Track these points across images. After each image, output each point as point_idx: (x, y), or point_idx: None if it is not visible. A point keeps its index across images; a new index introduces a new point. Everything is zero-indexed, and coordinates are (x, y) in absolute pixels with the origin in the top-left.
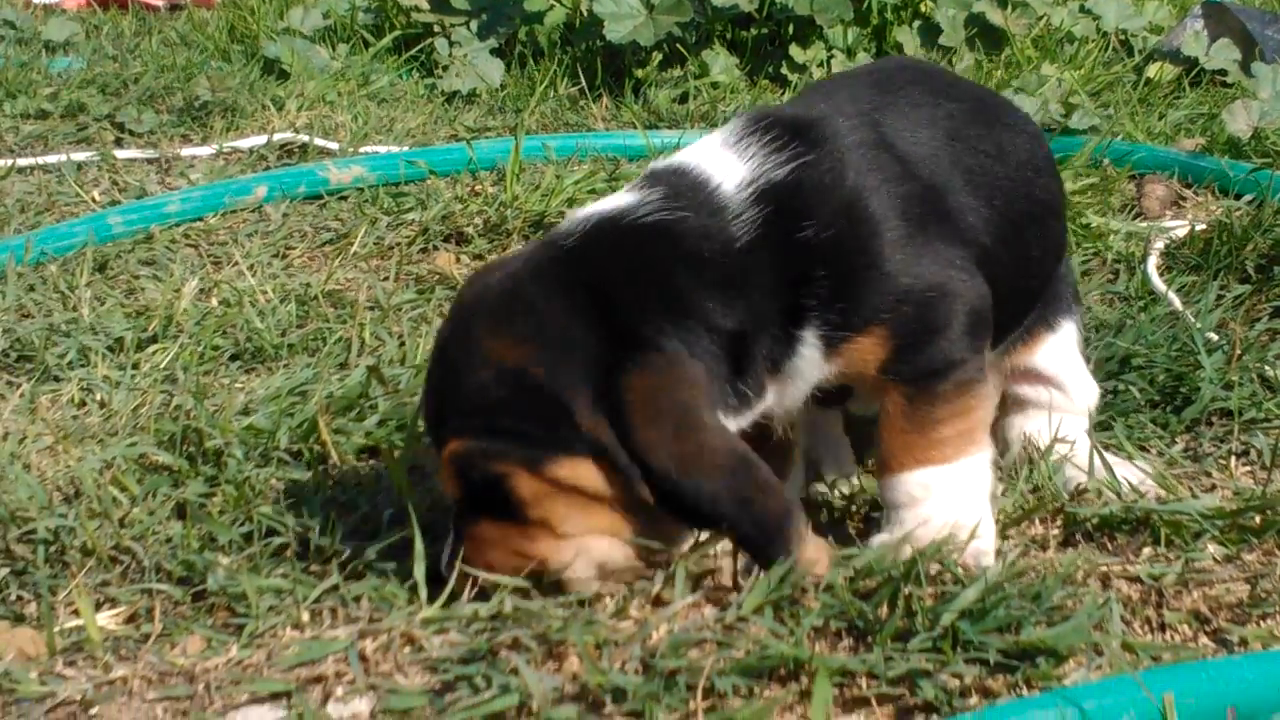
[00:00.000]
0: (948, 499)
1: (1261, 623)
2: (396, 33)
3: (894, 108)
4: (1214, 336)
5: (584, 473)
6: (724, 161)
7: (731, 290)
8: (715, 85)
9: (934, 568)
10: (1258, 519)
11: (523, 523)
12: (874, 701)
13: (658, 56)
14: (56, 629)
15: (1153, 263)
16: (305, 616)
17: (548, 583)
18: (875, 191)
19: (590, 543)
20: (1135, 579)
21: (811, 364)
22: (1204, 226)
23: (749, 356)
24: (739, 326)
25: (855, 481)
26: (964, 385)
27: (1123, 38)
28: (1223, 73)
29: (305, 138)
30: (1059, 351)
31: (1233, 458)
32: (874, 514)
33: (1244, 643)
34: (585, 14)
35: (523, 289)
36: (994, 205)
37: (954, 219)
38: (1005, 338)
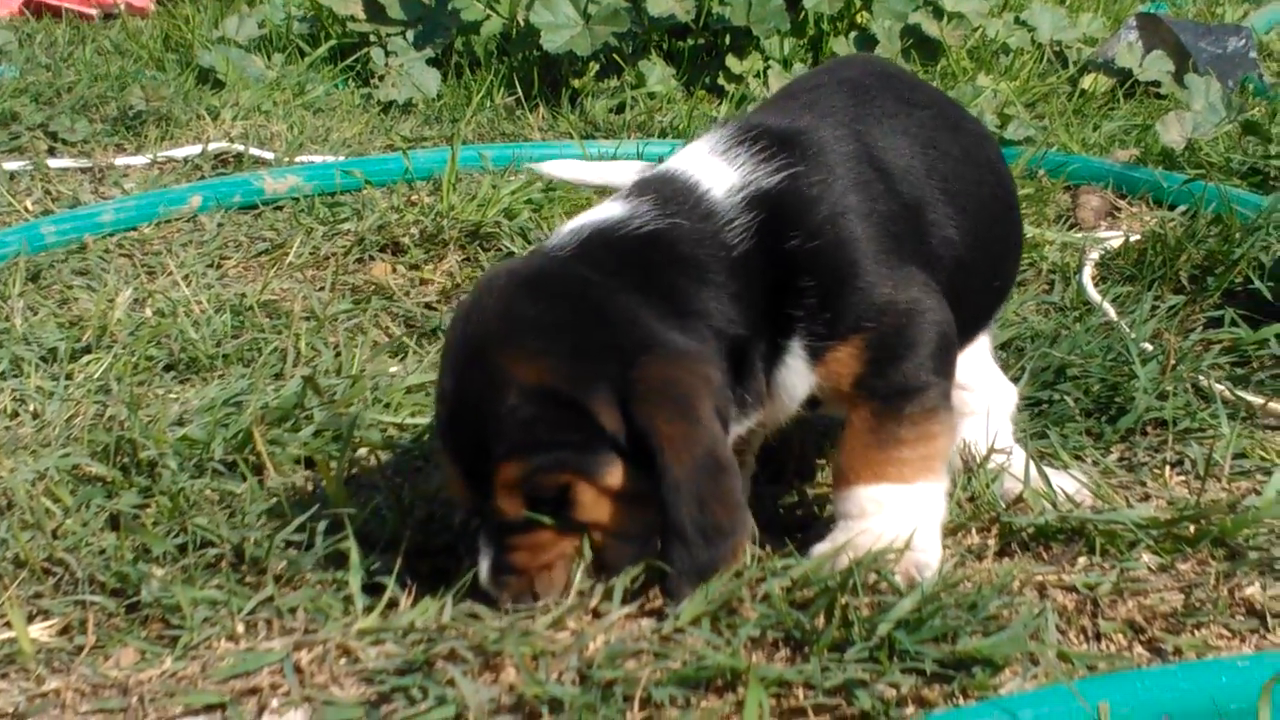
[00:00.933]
0: (899, 517)
1: (1195, 632)
2: (332, 42)
3: (872, 117)
4: (1148, 347)
5: (619, 472)
6: (713, 169)
7: (730, 296)
8: (652, 95)
9: (872, 578)
10: (1192, 529)
11: (578, 526)
12: (810, 712)
13: (594, 66)
14: None
15: (1088, 273)
16: (240, 628)
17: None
18: (860, 207)
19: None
20: (1071, 588)
21: (798, 375)
22: (1138, 237)
23: (749, 363)
24: (740, 332)
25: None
26: (930, 410)
27: (1057, 49)
28: (1156, 84)
29: (240, 147)
30: (979, 357)
31: (1167, 467)
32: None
33: (1178, 652)
34: (522, 24)
35: (524, 306)
36: (966, 211)
37: (929, 238)
38: (967, 344)
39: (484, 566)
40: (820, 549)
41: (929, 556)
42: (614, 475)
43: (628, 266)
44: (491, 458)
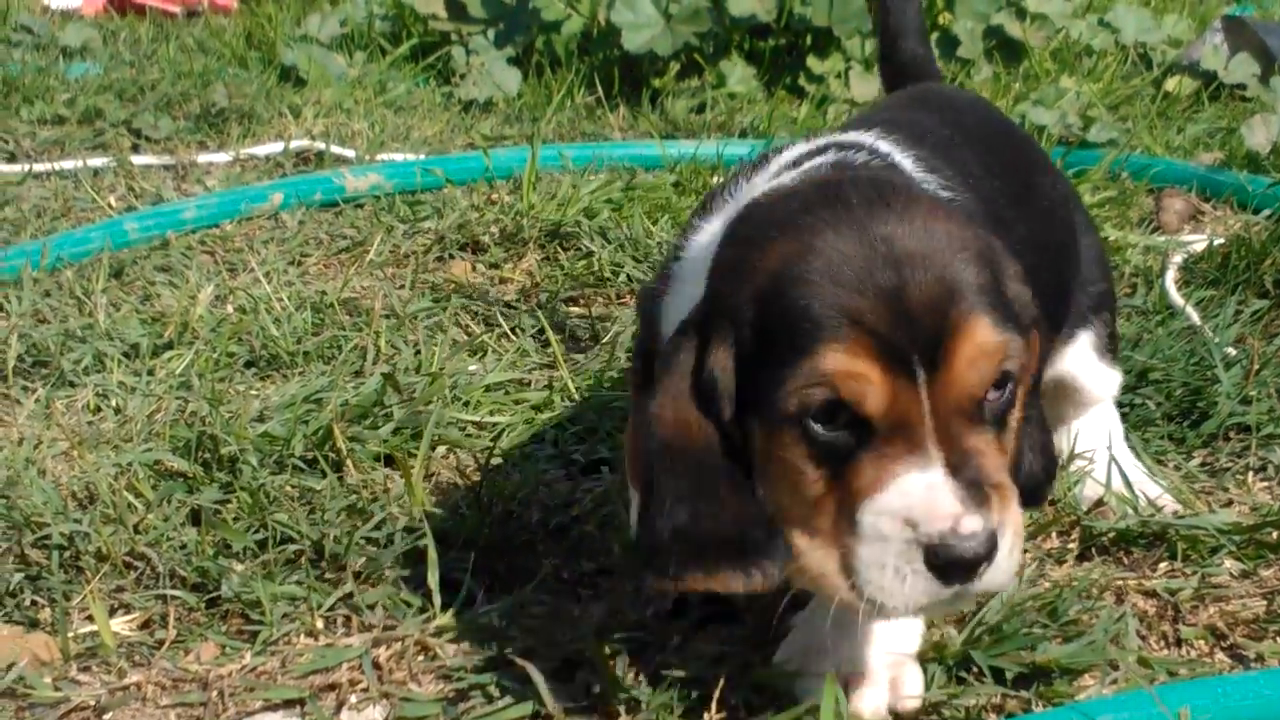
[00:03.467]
0: None
1: (1278, 638)
2: (413, 40)
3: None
4: (1232, 351)
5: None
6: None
7: None
8: (732, 96)
9: None
10: (1275, 535)
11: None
12: None
13: (675, 66)
14: (70, 634)
15: (1170, 277)
16: (319, 624)
17: None
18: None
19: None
20: (1151, 594)
21: None
22: (1222, 241)
23: None
24: None
25: None
26: None
27: (1141, 51)
28: (1242, 87)
29: (322, 145)
30: (1076, 357)
31: (1250, 473)
32: None
33: (1260, 658)
34: (603, 23)
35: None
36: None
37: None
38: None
39: (938, 475)
40: None
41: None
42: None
43: None
44: (964, 314)
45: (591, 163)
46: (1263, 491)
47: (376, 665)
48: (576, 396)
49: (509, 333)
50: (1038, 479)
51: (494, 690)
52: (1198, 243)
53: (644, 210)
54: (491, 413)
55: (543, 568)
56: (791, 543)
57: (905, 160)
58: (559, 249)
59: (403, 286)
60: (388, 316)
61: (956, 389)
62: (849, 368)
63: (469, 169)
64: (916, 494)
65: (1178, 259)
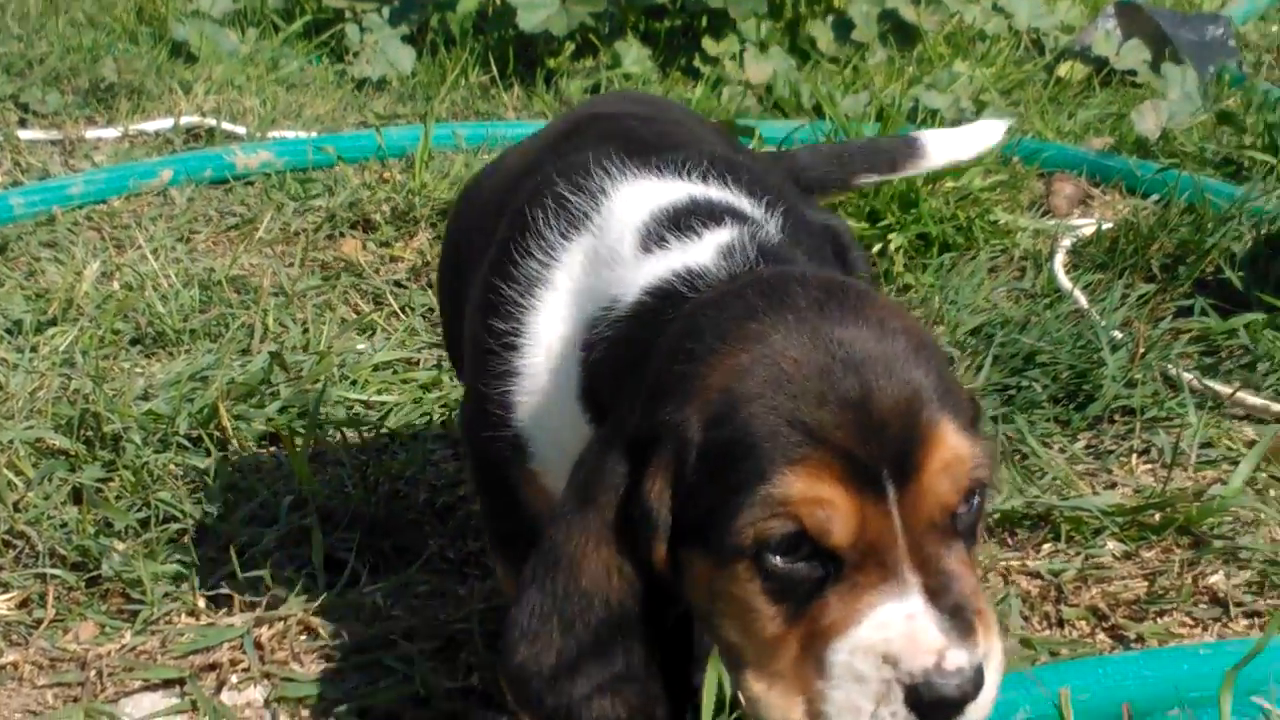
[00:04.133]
0: None
1: (1159, 619)
2: (307, 18)
3: None
4: (1118, 335)
5: None
6: None
7: None
8: (627, 76)
9: None
10: (1157, 516)
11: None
12: None
13: (570, 46)
14: None
15: (1059, 260)
16: (201, 603)
17: None
18: None
19: None
20: (1035, 574)
21: None
22: (1111, 225)
23: None
24: None
25: None
26: None
27: (1034, 36)
28: (1132, 73)
29: (212, 122)
30: None
31: (1134, 455)
32: None
33: (1141, 639)
34: (498, 2)
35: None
36: None
37: None
38: None
39: (917, 604)
40: None
41: None
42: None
43: None
44: (933, 420)
45: (485, 142)
46: (1146, 474)
47: (258, 645)
48: None
49: (398, 311)
50: None
51: (376, 670)
52: (1086, 227)
53: None
54: (379, 392)
55: (428, 547)
56: (744, 689)
57: (772, 224)
58: None
59: (292, 264)
60: (276, 294)
61: (930, 503)
62: (813, 494)
63: (361, 147)
64: (896, 627)
65: (1066, 243)
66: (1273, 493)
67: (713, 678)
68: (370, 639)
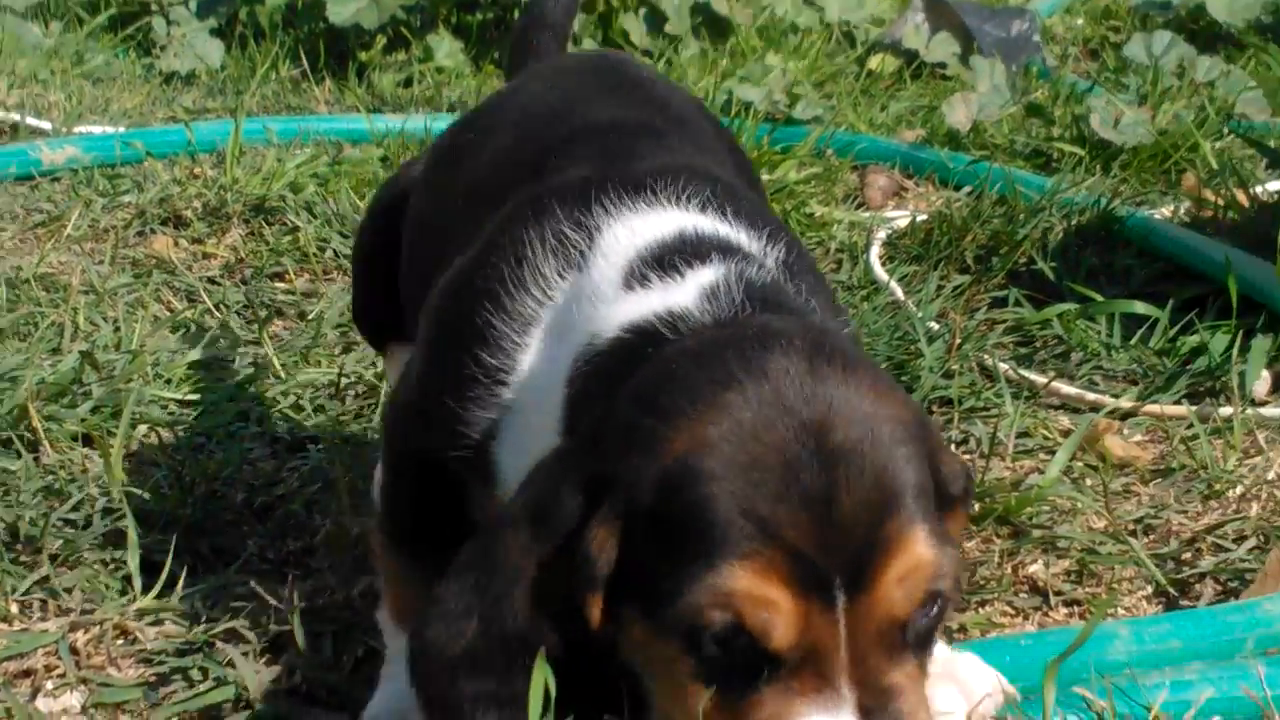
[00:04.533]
0: None
1: (980, 609)
2: (112, 10)
3: None
4: (935, 326)
5: None
6: None
7: None
8: (440, 70)
9: None
10: (977, 507)
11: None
12: None
13: (382, 40)
14: None
15: (875, 252)
16: (14, 609)
17: None
18: None
19: None
20: None
21: None
22: (925, 217)
23: None
24: None
25: None
26: None
27: (845, 29)
28: (943, 65)
29: (16, 117)
30: None
31: (952, 445)
32: None
33: (963, 629)
34: None
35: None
36: None
37: None
38: None
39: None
40: None
41: None
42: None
43: None
44: (901, 527)
45: (297, 137)
46: None
47: (74, 650)
48: (282, 374)
49: (212, 309)
50: None
51: (196, 674)
52: (900, 219)
53: (350, 185)
54: (195, 391)
55: (247, 548)
56: None
57: (770, 262)
58: (264, 224)
59: (102, 262)
60: (86, 292)
61: (881, 615)
62: (758, 593)
63: (171, 142)
64: None
65: (881, 235)
66: (1089, 481)
67: None
68: (189, 643)
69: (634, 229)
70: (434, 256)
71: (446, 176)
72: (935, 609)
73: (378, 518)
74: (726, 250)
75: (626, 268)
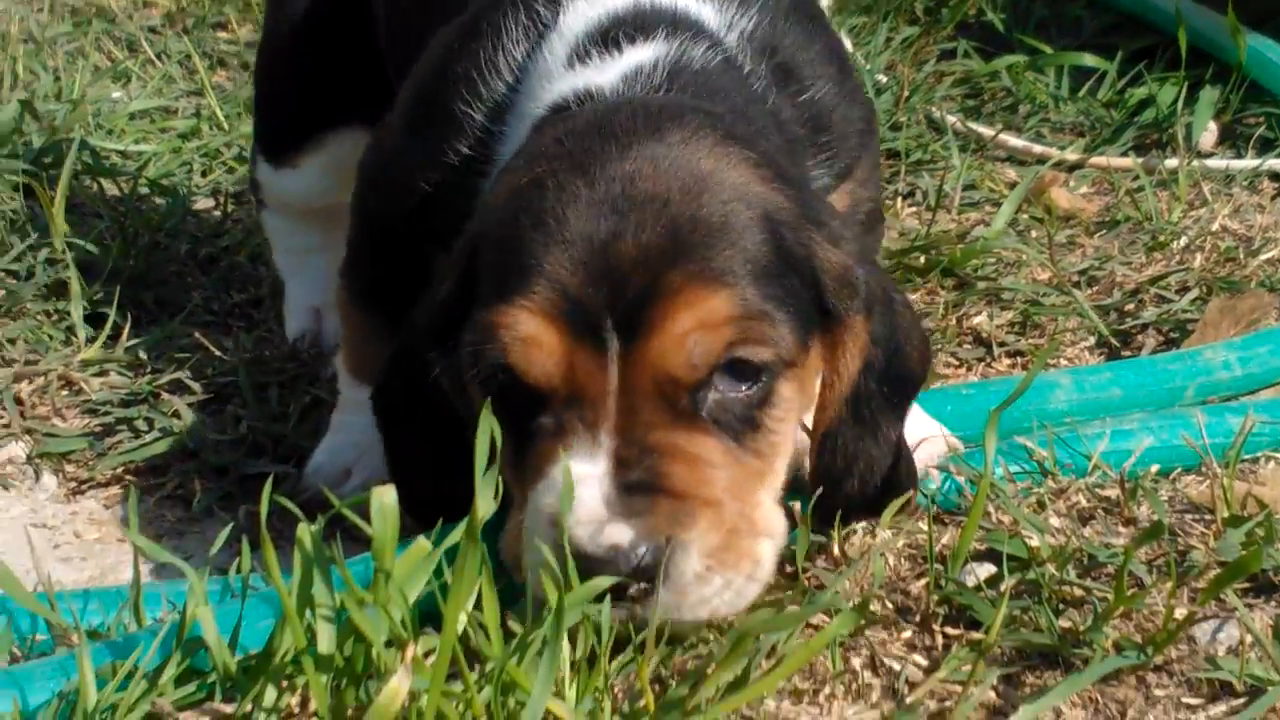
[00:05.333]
0: None
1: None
2: None
3: None
4: (883, 78)
5: (817, 362)
6: None
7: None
8: None
9: None
10: (922, 259)
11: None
12: None
13: None
14: None
15: (824, 1)
16: None
17: None
18: None
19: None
20: None
21: None
22: None
23: None
24: None
25: None
26: None
27: None
28: None
29: None
30: None
31: (899, 199)
32: None
33: None
34: None
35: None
36: None
37: None
38: None
39: (595, 469)
40: None
41: None
42: (814, 364)
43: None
44: (685, 275)
45: None
46: (910, 217)
47: (18, 400)
48: (225, 125)
49: (154, 59)
50: (868, 494)
51: (141, 424)
52: None
53: None
54: (137, 141)
55: (192, 299)
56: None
57: (732, 38)
58: None
59: (41, 10)
60: (25, 41)
61: (654, 367)
62: (518, 328)
63: None
64: (562, 490)
65: None
66: (1034, 234)
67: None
68: (134, 393)
69: (595, 1)
70: (421, 25)
71: None
72: (754, 385)
73: (343, 267)
74: (677, 25)
75: (575, 44)
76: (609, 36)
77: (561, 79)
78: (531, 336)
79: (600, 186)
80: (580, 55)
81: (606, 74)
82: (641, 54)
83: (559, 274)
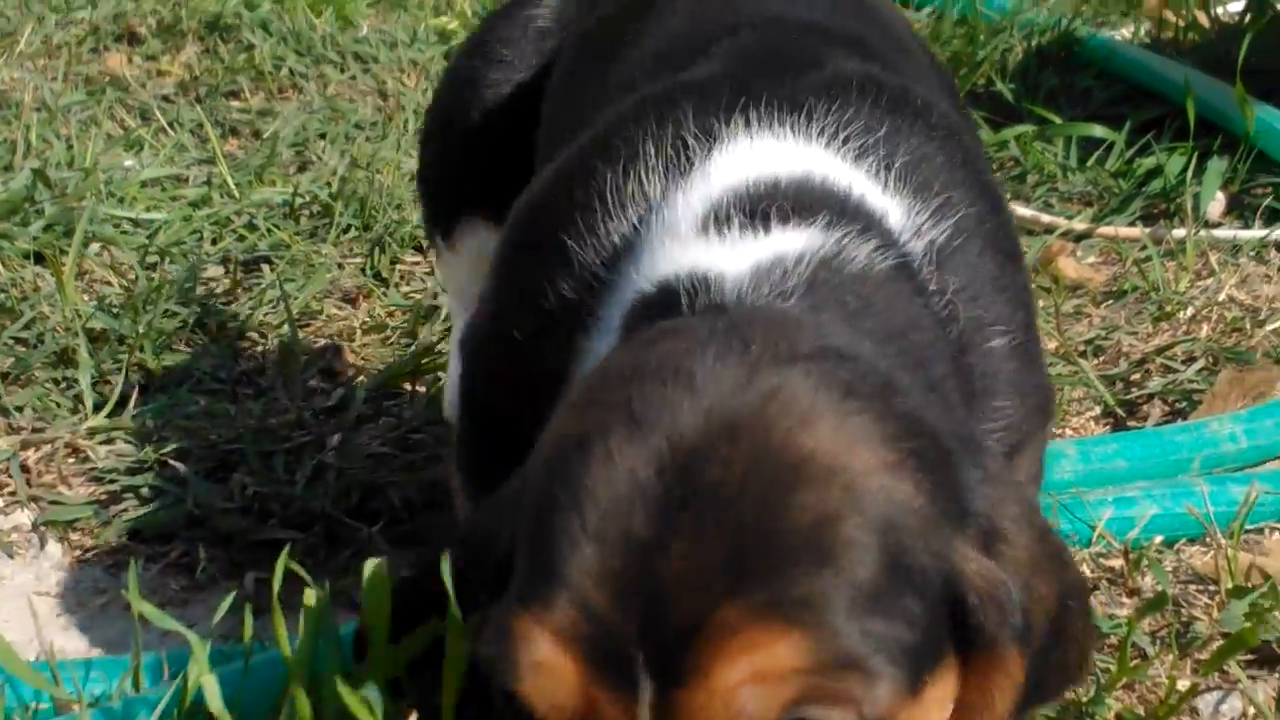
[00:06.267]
0: None
1: None
2: None
3: None
4: None
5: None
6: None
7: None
8: None
9: None
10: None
11: None
12: None
13: None
14: None
15: None
16: None
17: None
18: None
19: None
20: None
21: None
22: None
23: None
24: None
25: None
26: None
27: None
28: None
29: None
30: None
31: None
32: None
33: None
34: None
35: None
36: None
37: None
38: None
39: None
40: None
41: None
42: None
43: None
44: (744, 609)
45: None
46: None
47: (25, 468)
48: (236, 194)
49: (166, 127)
50: None
51: (146, 492)
52: None
53: (307, 3)
54: (148, 209)
55: (200, 367)
56: None
57: (917, 245)
58: (219, 41)
59: (55, 79)
60: (39, 109)
61: None
62: (530, 650)
63: None
64: None
65: None
66: (1041, 303)
67: None
68: (140, 461)
69: (754, 155)
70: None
71: (604, 45)
72: None
73: (454, 449)
74: (845, 213)
75: (716, 202)
76: (760, 207)
77: (686, 245)
78: (544, 665)
79: (654, 466)
80: (719, 219)
81: (738, 258)
82: (790, 241)
83: (584, 584)
